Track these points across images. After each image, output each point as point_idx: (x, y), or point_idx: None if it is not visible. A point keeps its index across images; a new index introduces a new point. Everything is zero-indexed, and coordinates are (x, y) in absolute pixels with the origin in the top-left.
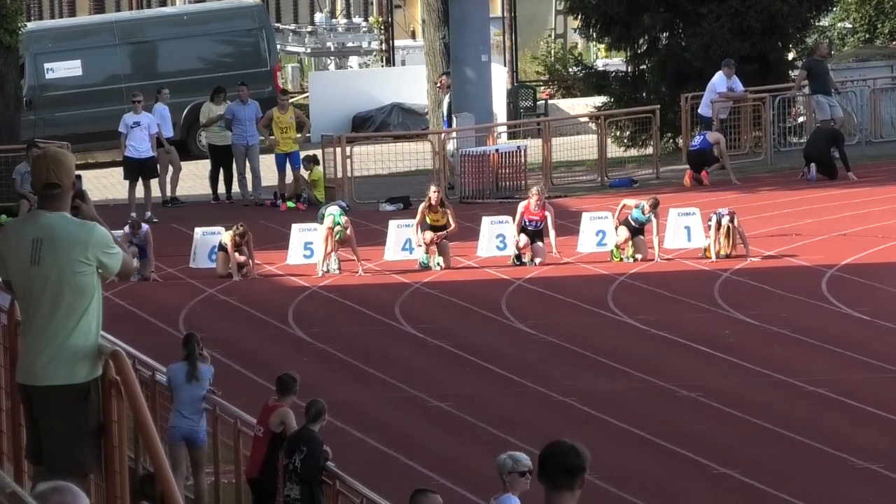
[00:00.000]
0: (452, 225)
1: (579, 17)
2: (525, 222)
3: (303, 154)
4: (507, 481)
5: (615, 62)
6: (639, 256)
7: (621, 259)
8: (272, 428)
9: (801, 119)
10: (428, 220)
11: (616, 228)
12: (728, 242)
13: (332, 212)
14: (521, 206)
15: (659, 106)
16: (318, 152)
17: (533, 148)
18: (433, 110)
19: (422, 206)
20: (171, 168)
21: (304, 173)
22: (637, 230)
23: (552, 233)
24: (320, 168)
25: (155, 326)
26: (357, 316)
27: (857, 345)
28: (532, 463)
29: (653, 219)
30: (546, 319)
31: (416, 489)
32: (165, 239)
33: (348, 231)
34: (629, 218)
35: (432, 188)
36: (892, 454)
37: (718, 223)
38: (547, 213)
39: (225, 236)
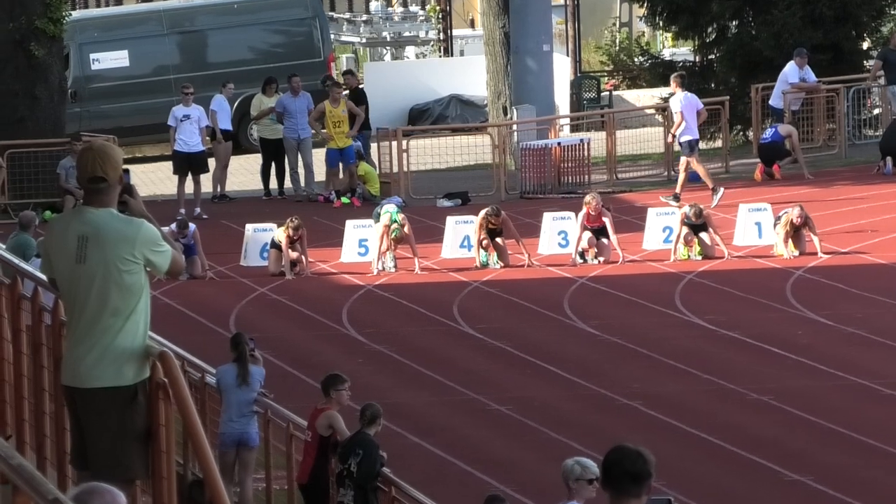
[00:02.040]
0: (512, 236)
1: (645, 4)
2: (585, 225)
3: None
4: (573, 488)
5: (682, 51)
6: (699, 258)
7: (688, 256)
8: (319, 431)
9: (876, 111)
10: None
11: (679, 234)
12: (798, 243)
13: (389, 209)
14: (581, 216)
15: (728, 97)
16: (374, 146)
17: (597, 141)
18: (493, 102)
19: (479, 221)
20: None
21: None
22: (699, 228)
23: (613, 238)
24: (365, 163)
25: (205, 327)
26: (413, 316)
27: None
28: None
29: (707, 225)
30: (610, 319)
31: (490, 495)
32: (215, 236)
33: (405, 229)
34: (685, 216)
35: (486, 210)
36: None
37: (791, 223)
38: (605, 219)
39: (278, 233)
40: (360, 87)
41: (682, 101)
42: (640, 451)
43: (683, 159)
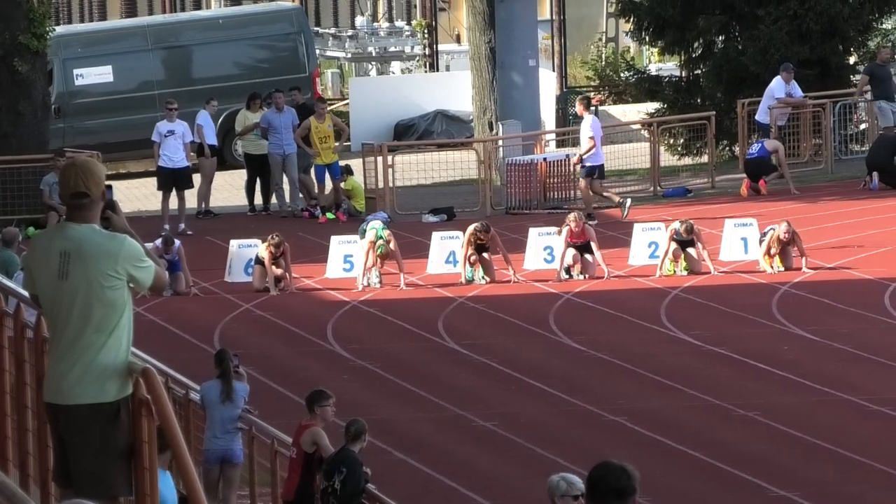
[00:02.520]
0: (499, 252)
1: (631, 19)
2: (569, 242)
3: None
4: None
5: (669, 67)
6: (685, 274)
7: (674, 272)
8: (304, 448)
9: (862, 126)
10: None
11: (667, 249)
12: (784, 258)
13: (375, 225)
14: (564, 232)
15: (714, 112)
16: (359, 161)
17: None
18: (478, 117)
19: (467, 237)
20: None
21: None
22: (686, 243)
23: (598, 255)
24: (354, 178)
25: (189, 343)
26: (399, 331)
27: None
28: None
29: (695, 241)
30: (596, 335)
31: None
32: (200, 252)
33: (391, 245)
34: (674, 232)
35: (475, 226)
36: None
37: (778, 239)
38: (590, 240)
39: (261, 249)
40: (304, 102)
41: (591, 126)
42: (624, 466)
43: (582, 181)
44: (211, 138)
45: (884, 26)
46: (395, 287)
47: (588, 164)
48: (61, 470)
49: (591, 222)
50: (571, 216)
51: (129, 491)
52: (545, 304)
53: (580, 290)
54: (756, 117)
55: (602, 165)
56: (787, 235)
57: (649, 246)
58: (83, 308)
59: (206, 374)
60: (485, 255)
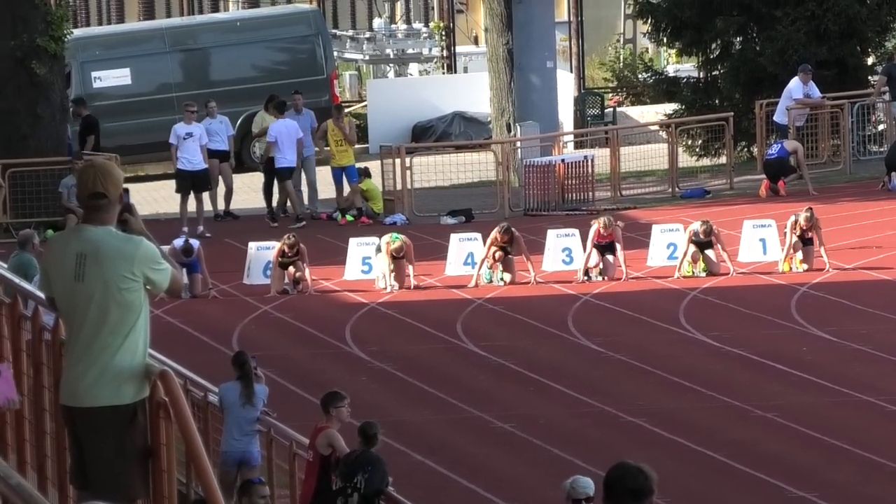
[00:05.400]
0: (523, 256)
1: (649, 21)
2: (595, 243)
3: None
4: None
5: (686, 68)
6: (703, 275)
7: (693, 273)
8: (320, 450)
9: (881, 126)
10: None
11: (686, 251)
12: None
13: (391, 234)
14: (592, 231)
15: (732, 113)
16: (377, 163)
17: (600, 158)
18: (496, 119)
19: (489, 241)
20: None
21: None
22: (705, 245)
23: (620, 255)
24: (371, 180)
25: (208, 345)
26: (417, 333)
27: None
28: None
29: (714, 242)
30: (614, 336)
31: None
32: (218, 254)
33: (407, 243)
34: (693, 234)
35: (499, 228)
36: None
37: (795, 223)
38: (615, 241)
39: (276, 246)
40: (88, 114)
41: (280, 129)
42: (641, 467)
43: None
44: (221, 144)
45: None
46: (415, 289)
47: (278, 165)
48: (78, 472)
49: (298, 224)
50: (602, 220)
51: (147, 493)
52: (564, 305)
53: (599, 292)
54: (774, 118)
55: (292, 168)
56: (807, 224)
57: (668, 247)
58: (99, 310)
59: (224, 376)
60: (508, 256)
